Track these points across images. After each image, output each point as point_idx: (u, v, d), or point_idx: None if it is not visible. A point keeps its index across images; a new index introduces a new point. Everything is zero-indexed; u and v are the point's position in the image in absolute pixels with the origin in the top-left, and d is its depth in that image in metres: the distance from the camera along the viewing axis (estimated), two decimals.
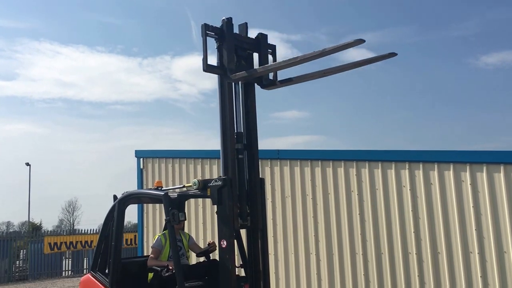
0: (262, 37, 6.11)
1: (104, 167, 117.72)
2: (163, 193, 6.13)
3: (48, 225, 75.12)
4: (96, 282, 6.61)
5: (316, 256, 9.67)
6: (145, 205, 12.61)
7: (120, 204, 6.69)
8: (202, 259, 6.80)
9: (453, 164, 8.29)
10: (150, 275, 6.31)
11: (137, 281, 6.49)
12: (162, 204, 6.21)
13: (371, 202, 9.10)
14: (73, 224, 72.30)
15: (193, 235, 10.38)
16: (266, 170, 10.54)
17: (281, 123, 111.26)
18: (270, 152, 10.63)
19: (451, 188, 8.28)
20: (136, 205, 12.74)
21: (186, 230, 9.47)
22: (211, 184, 5.75)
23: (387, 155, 9.11)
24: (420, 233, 8.51)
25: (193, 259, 8.32)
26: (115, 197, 6.87)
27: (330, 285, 9.39)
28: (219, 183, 5.68)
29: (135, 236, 23.31)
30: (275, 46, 6.27)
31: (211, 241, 6.68)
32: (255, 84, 6.06)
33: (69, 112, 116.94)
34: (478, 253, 7.92)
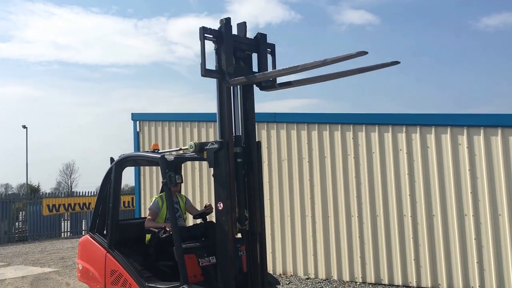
0: (261, 37, 5.97)
1: (101, 130, 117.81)
2: (159, 156, 6.12)
3: (46, 187, 75.58)
4: (95, 242, 6.66)
5: (311, 218, 9.76)
6: (142, 167, 12.63)
7: (117, 166, 6.68)
8: (199, 221, 6.84)
9: (450, 127, 8.28)
10: (148, 236, 6.35)
11: (134, 242, 6.54)
12: (159, 167, 6.20)
13: (367, 166, 9.12)
14: (71, 186, 72.81)
15: (189, 197, 10.45)
16: (262, 134, 10.52)
17: None
18: (267, 116, 10.58)
19: (448, 151, 8.29)
20: (133, 168, 12.77)
21: (182, 192, 9.51)
22: (207, 147, 5.73)
23: (384, 119, 9.08)
24: (415, 196, 8.57)
25: (190, 221, 8.39)
26: (112, 159, 6.85)
27: (325, 247, 9.52)
28: (216, 146, 5.65)
29: (132, 198, 23.47)
30: (274, 45, 6.17)
31: (208, 204, 6.71)
32: (254, 85, 5.95)
33: (65, 74, 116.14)
34: (472, 215, 8.01)
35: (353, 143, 9.33)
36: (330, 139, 9.63)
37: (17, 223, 22.90)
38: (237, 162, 5.68)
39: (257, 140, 6.05)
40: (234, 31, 5.82)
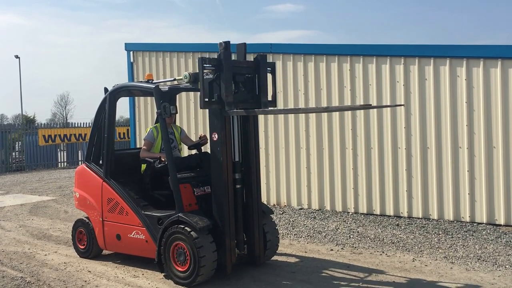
0: (261, 58, 5.83)
1: (95, 61, 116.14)
2: (153, 86, 6.04)
3: (42, 118, 75.41)
4: (91, 172, 6.71)
5: (306, 150, 9.81)
6: (136, 99, 12.53)
7: (111, 96, 6.61)
8: (194, 151, 6.86)
9: (450, 59, 8.15)
10: (143, 166, 6.39)
11: (130, 172, 6.59)
12: (154, 98, 6.15)
13: (364, 98, 9.05)
14: (66, 117, 72.68)
15: (184, 129, 10.43)
16: None
17: (275, 16, 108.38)
18: (262, 46, 10.35)
19: (446, 83, 8.22)
20: (128, 99, 12.66)
21: (177, 124, 9.47)
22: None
23: (382, 50, 8.91)
24: (411, 128, 8.58)
25: (185, 152, 8.42)
26: (106, 89, 6.77)
27: (319, 178, 9.64)
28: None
29: (127, 130, 23.48)
30: (274, 63, 6.12)
31: (203, 134, 6.70)
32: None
33: (56, 3, 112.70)
34: (467, 148, 8.06)
35: (349, 75, 9.20)
36: (327, 70, 9.48)
37: (14, 153, 23.02)
38: (236, 188, 5.66)
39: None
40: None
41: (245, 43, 5.91)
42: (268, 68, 5.97)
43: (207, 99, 5.43)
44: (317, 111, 4.95)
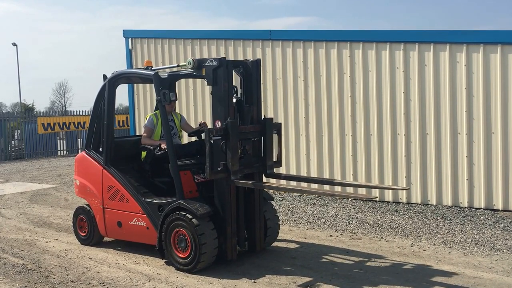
0: (267, 122, 5.88)
1: (93, 49, 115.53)
2: (153, 73, 6.02)
3: (41, 106, 75.24)
4: (91, 159, 6.72)
5: (306, 137, 9.82)
6: (135, 86, 12.49)
7: (110, 83, 6.59)
8: (194, 138, 6.87)
9: (450, 44, 8.14)
10: (143, 153, 6.39)
11: (130, 159, 6.60)
12: (153, 85, 6.13)
13: (363, 84, 9.05)
14: (65, 105, 72.53)
15: (184, 116, 10.41)
16: (257, 52, 10.31)
17: (274, 3, 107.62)
18: (261, 33, 10.31)
19: (445, 69, 8.21)
20: (127, 87, 12.62)
21: (177, 111, 9.45)
22: (206, 64, 5.61)
23: (382, 36, 8.89)
24: (410, 115, 8.59)
25: (185, 139, 8.42)
26: (104, 76, 6.75)
27: (319, 165, 9.66)
28: (215, 63, 5.53)
29: (127, 117, 23.45)
30: (280, 124, 6.17)
31: (203, 121, 6.70)
32: None
33: None
34: (466, 134, 8.08)
35: (349, 61, 9.19)
36: (326, 57, 9.46)
37: (13, 142, 22.99)
38: (238, 187, 5.69)
39: (251, 59, 5.98)
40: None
41: (259, 59, 5.99)
42: (274, 130, 6.00)
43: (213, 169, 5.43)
44: (323, 195, 5.02)
